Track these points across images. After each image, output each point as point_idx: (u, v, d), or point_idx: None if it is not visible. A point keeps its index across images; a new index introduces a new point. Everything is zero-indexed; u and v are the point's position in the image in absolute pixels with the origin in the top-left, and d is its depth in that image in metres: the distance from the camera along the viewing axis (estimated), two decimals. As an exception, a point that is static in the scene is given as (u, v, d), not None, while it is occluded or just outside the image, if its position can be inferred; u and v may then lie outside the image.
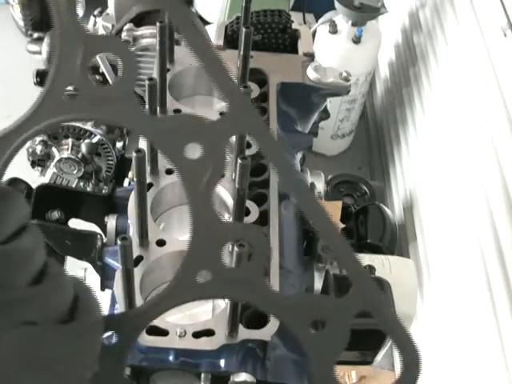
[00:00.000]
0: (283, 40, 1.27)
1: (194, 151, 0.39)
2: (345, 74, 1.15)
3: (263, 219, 0.92)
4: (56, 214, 1.01)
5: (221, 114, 1.05)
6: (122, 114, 0.37)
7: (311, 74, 1.15)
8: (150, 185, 0.93)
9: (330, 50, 2.04)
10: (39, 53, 1.65)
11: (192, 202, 0.37)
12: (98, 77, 1.44)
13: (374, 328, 0.78)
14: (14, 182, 1.08)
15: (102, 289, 1.01)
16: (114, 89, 0.37)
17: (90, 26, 1.68)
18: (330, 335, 0.40)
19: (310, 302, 0.40)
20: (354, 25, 2.02)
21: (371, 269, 0.94)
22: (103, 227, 1.01)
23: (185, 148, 0.37)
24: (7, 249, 0.36)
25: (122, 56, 0.37)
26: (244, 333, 0.78)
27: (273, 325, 0.80)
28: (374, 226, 1.12)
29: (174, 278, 0.38)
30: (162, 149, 0.37)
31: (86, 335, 0.40)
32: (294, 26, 1.28)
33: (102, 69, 1.41)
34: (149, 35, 1.50)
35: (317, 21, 2.19)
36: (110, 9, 1.68)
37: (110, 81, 1.41)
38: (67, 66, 0.38)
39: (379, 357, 0.89)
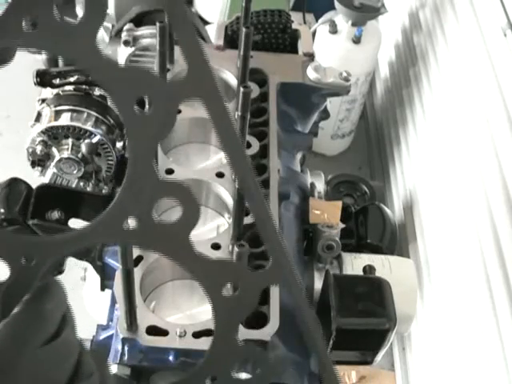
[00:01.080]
0: (283, 40, 1.27)
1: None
2: (345, 74, 1.15)
3: (263, 219, 0.92)
4: (56, 214, 1.01)
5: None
6: (80, 51, 0.36)
7: (311, 74, 1.15)
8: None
9: (330, 49, 2.04)
10: (39, 53, 1.65)
11: (133, 153, 0.37)
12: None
13: (373, 328, 0.79)
14: (14, 181, 1.08)
15: (102, 289, 1.01)
16: (80, 25, 0.36)
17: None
18: (239, 299, 0.42)
19: (223, 267, 0.42)
20: (354, 25, 2.02)
21: (371, 269, 0.94)
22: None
23: (134, 101, 0.37)
24: (58, 343, 0.37)
25: (184, 201, 0.39)
26: (244, 333, 0.78)
27: (273, 325, 0.80)
28: (373, 226, 1.12)
29: (103, 216, 0.39)
30: (113, 97, 0.37)
31: None
32: (294, 25, 1.28)
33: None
34: (149, 35, 1.50)
35: (317, 21, 2.19)
36: (110, 9, 1.67)
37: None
38: (134, 199, 0.39)
39: (379, 357, 0.89)
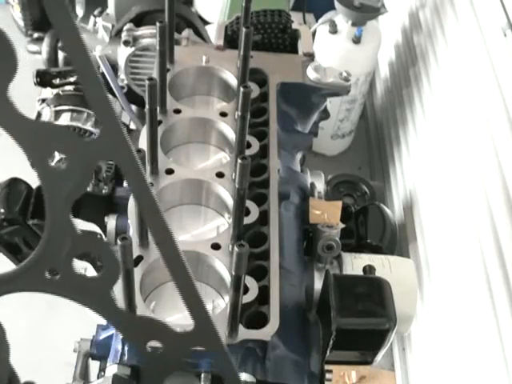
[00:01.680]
0: (283, 40, 1.27)
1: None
2: (345, 74, 1.15)
3: (263, 219, 0.92)
4: (56, 214, 1.01)
5: (221, 114, 1.06)
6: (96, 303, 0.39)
7: (311, 74, 1.15)
8: (150, 185, 0.92)
9: (330, 49, 2.04)
10: (39, 53, 1.65)
11: (50, 207, 0.38)
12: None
13: (373, 328, 0.79)
14: (14, 182, 1.08)
15: (102, 289, 1.01)
16: (93, 282, 0.39)
17: (90, 26, 1.68)
18: (164, 356, 0.42)
19: (150, 325, 0.41)
20: (354, 25, 2.02)
21: (371, 269, 0.94)
22: (103, 227, 1.01)
23: (49, 156, 0.37)
24: None
25: (104, 255, 0.39)
26: (244, 333, 0.78)
27: (273, 325, 0.80)
28: (373, 226, 1.12)
29: (25, 264, 0.39)
30: (27, 153, 0.37)
31: None
32: (294, 25, 1.28)
33: (102, 69, 1.41)
34: (149, 35, 1.50)
35: (317, 21, 2.19)
36: (110, 9, 1.68)
37: (109, 81, 1.41)
38: (53, 252, 0.39)
39: (379, 357, 0.89)
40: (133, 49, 1.49)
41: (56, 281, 0.39)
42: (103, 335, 0.93)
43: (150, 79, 0.86)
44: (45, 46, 1.61)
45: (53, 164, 0.38)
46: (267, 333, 0.79)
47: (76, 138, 0.37)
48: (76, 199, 0.38)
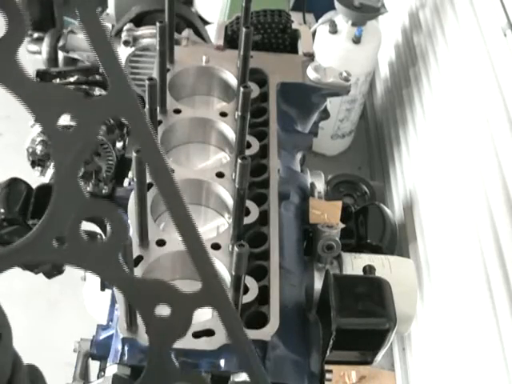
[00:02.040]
0: (283, 40, 1.27)
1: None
2: (345, 74, 1.15)
3: (263, 219, 0.92)
4: (56, 214, 1.01)
5: (221, 114, 1.06)
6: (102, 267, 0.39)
7: (311, 74, 1.15)
8: (150, 185, 0.93)
9: (330, 49, 2.04)
10: (39, 53, 1.65)
11: (59, 171, 0.38)
12: (98, 77, 1.44)
13: (373, 328, 0.79)
14: (14, 182, 1.08)
15: (102, 289, 1.01)
16: (102, 247, 0.40)
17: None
18: (172, 321, 0.42)
19: (157, 287, 0.42)
20: (354, 25, 2.02)
21: (371, 269, 0.94)
22: (103, 227, 1.01)
23: (58, 119, 0.38)
24: None
25: (112, 219, 0.40)
26: (244, 333, 0.78)
27: (273, 325, 0.80)
28: (373, 226, 1.12)
29: (31, 234, 0.39)
30: (36, 115, 0.38)
31: None
32: (294, 25, 1.28)
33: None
34: (149, 35, 1.50)
35: (317, 21, 2.19)
36: (110, 9, 1.68)
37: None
38: (60, 218, 0.40)
39: (379, 357, 0.89)
40: (133, 49, 1.49)
41: (64, 249, 0.39)
42: (103, 335, 0.93)
43: (150, 79, 0.86)
44: (45, 46, 1.61)
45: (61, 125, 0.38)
46: (267, 333, 0.79)
47: (84, 97, 0.38)
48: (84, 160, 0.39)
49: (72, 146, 0.38)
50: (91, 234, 0.95)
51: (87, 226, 0.97)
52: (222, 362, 0.78)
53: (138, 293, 0.42)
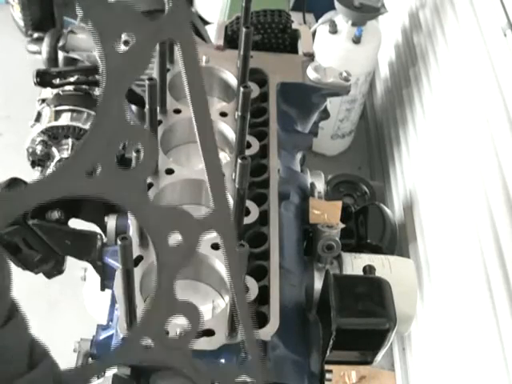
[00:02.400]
0: (283, 40, 1.27)
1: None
2: (345, 74, 1.15)
3: (263, 219, 0.92)
4: (56, 214, 1.01)
5: (221, 114, 1.06)
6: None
7: (311, 74, 1.15)
8: (150, 185, 0.93)
9: (330, 49, 2.04)
10: (39, 53, 1.65)
11: (105, 93, 0.38)
12: (98, 77, 1.44)
13: (373, 328, 0.79)
14: (14, 181, 1.08)
15: (102, 289, 1.01)
16: (132, 173, 0.40)
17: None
18: (181, 248, 0.44)
19: (170, 213, 0.43)
20: (354, 25, 2.02)
21: (371, 269, 0.94)
22: (103, 227, 1.01)
23: (117, 36, 0.38)
24: (14, 323, 0.38)
25: (146, 143, 0.40)
26: (244, 333, 0.78)
27: (273, 325, 0.80)
28: (373, 226, 1.12)
29: (63, 164, 0.39)
30: (97, 32, 0.38)
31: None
32: (294, 25, 1.28)
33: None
34: (149, 35, 1.50)
35: (317, 21, 2.19)
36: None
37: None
38: (97, 141, 0.40)
39: (379, 357, 0.89)
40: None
41: (97, 177, 0.40)
42: (103, 335, 0.93)
43: (150, 79, 0.86)
44: (45, 46, 1.61)
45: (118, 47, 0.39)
46: (267, 333, 0.79)
47: (142, 16, 0.39)
48: (129, 88, 0.39)
49: (124, 66, 0.38)
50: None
51: (87, 226, 0.97)
52: (222, 362, 0.78)
53: (154, 220, 0.42)
